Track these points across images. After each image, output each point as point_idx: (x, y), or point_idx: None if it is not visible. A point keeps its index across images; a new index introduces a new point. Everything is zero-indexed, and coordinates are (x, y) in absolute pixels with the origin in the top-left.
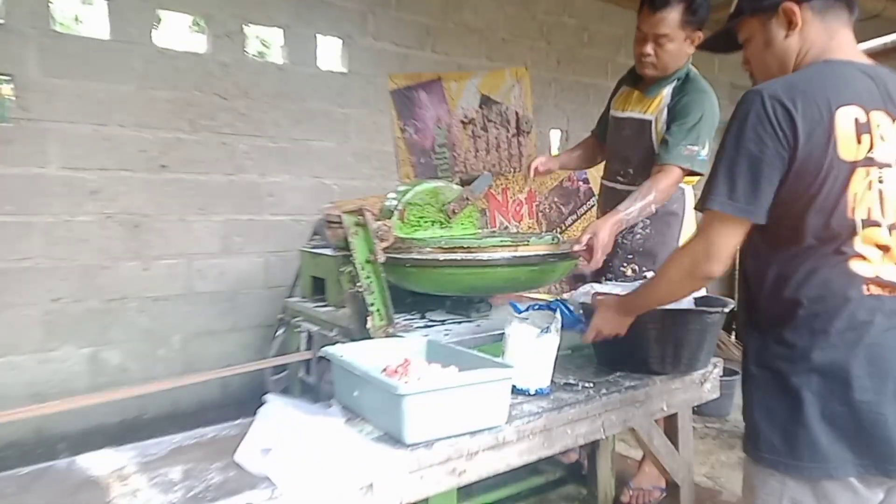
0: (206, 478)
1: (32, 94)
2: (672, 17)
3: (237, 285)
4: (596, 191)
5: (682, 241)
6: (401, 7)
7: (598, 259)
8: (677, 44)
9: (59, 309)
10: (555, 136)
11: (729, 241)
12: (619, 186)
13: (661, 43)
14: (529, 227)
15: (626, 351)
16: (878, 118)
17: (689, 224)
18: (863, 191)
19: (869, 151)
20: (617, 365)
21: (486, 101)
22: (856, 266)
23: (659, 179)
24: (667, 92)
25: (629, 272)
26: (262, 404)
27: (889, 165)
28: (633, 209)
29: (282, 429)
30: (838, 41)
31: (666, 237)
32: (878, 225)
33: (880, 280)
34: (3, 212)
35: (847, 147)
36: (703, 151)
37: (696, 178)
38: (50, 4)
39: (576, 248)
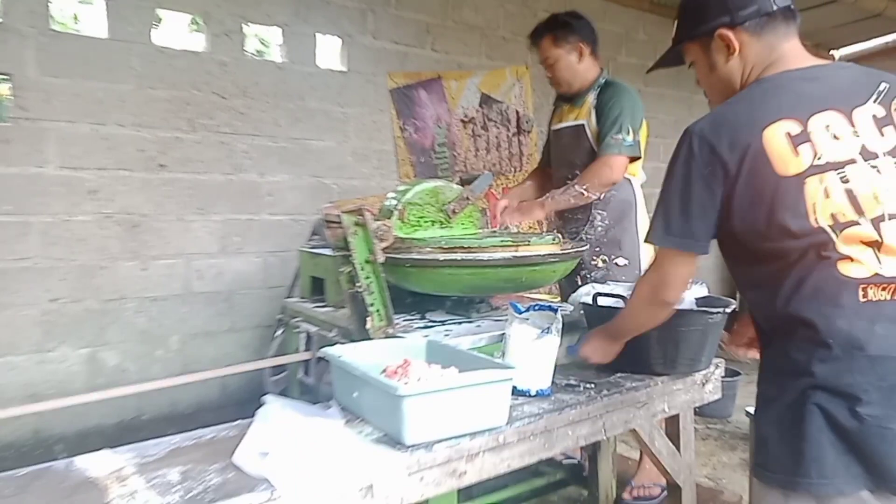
0: (205, 479)
1: (31, 93)
2: (545, 44)
3: (236, 285)
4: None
5: (641, 226)
6: (400, 5)
7: (498, 221)
8: (563, 61)
9: (57, 309)
10: None
11: (677, 271)
12: (560, 195)
13: (551, 65)
14: (530, 227)
15: (627, 352)
16: (825, 120)
17: (643, 211)
18: (821, 199)
19: (815, 159)
20: (618, 366)
21: (486, 100)
22: (846, 269)
23: (589, 167)
24: (591, 98)
25: (599, 263)
26: (260, 405)
27: (852, 161)
28: (558, 194)
29: (281, 430)
30: (780, 53)
31: (625, 224)
32: (856, 224)
33: (881, 278)
34: (1, 211)
35: (784, 162)
36: (629, 137)
37: (637, 171)
38: (48, 4)
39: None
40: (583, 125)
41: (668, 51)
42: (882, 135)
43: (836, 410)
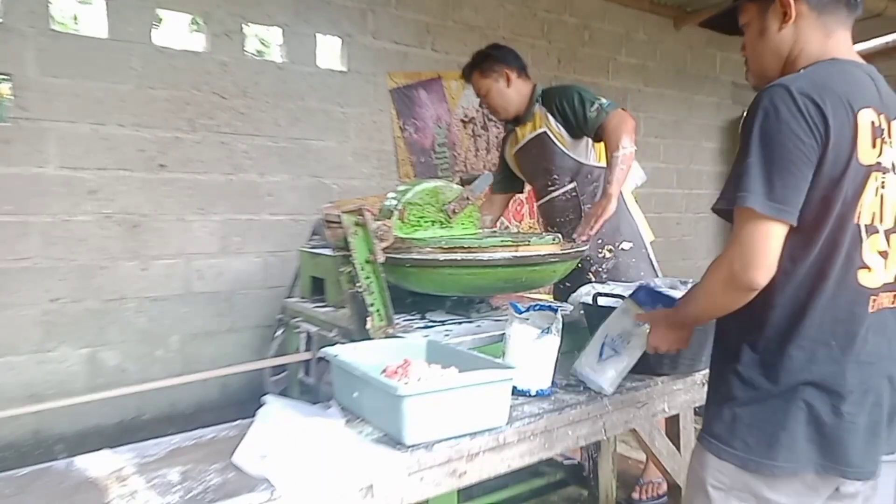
0: (205, 479)
1: (31, 93)
2: (474, 78)
3: (236, 285)
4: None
5: (630, 206)
6: (400, 5)
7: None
8: (494, 89)
9: (58, 309)
10: None
11: (768, 245)
12: (554, 194)
13: (484, 95)
14: (530, 227)
15: None
16: (884, 122)
17: (626, 192)
18: (871, 196)
19: (879, 156)
20: None
21: None
22: (863, 278)
23: (607, 137)
24: (537, 109)
25: (606, 253)
26: (260, 405)
27: (889, 170)
28: (610, 175)
29: (281, 430)
30: (836, 41)
31: (616, 209)
32: (877, 232)
33: (887, 287)
34: (2, 211)
35: (865, 151)
36: (603, 101)
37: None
38: (49, 4)
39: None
40: (544, 132)
41: (728, 7)
42: None
43: (821, 407)
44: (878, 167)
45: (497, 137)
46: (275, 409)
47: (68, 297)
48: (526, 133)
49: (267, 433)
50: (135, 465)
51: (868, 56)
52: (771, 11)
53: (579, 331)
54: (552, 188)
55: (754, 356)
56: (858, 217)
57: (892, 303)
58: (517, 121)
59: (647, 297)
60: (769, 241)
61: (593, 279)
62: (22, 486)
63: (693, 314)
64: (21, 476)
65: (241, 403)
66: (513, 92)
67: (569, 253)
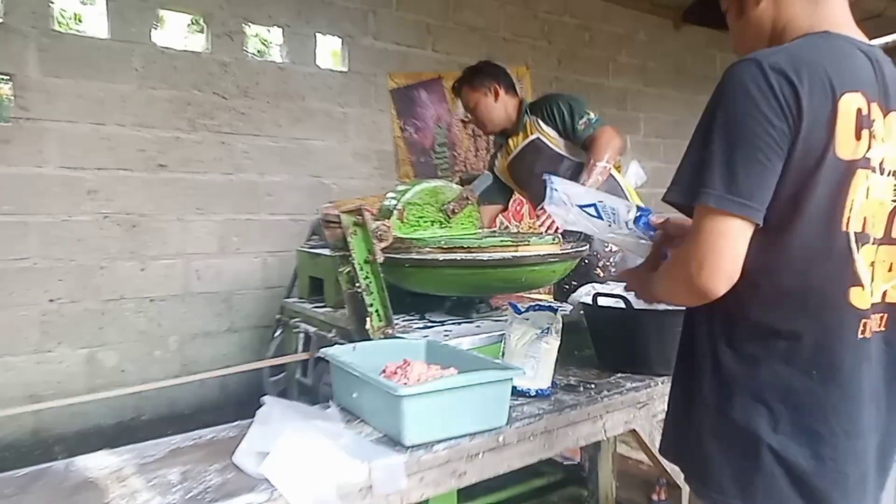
0: (205, 479)
1: (32, 93)
2: (464, 92)
3: (234, 286)
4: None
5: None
6: (401, 6)
7: None
8: (482, 103)
9: (56, 309)
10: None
11: (728, 247)
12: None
13: (472, 109)
14: (530, 227)
15: (627, 352)
16: (875, 112)
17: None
18: (861, 199)
19: (868, 150)
20: (618, 366)
21: None
22: (855, 298)
23: (591, 150)
24: (527, 120)
25: (613, 247)
26: (259, 406)
27: (876, 170)
28: (589, 180)
29: (280, 430)
30: (827, 10)
31: None
32: (870, 242)
33: (876, 309)
34: (1, 211)
35: (846, 143)
36: (592, 115)
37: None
38: (50, 4)
39: None
40: (537, 138)
41: None
42: None
43: (799, 446)
44: (865, 164)
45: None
46: (274, 410)
47: (67, 298)
48: (519, 142)
49: (266, 434)
50: (134, 466)
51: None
52: None
53: (579, 331)
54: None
55: (720, 379)
56: (847, 223)
57: (880, 326)
58: (507, 133)
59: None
60: (729, 241)
61: (602, 274)
62: (21, 487)
63: (659, 297)
64: (20, 476)
65: (240, 404)
66: (500, 106)
67: (568, 253)
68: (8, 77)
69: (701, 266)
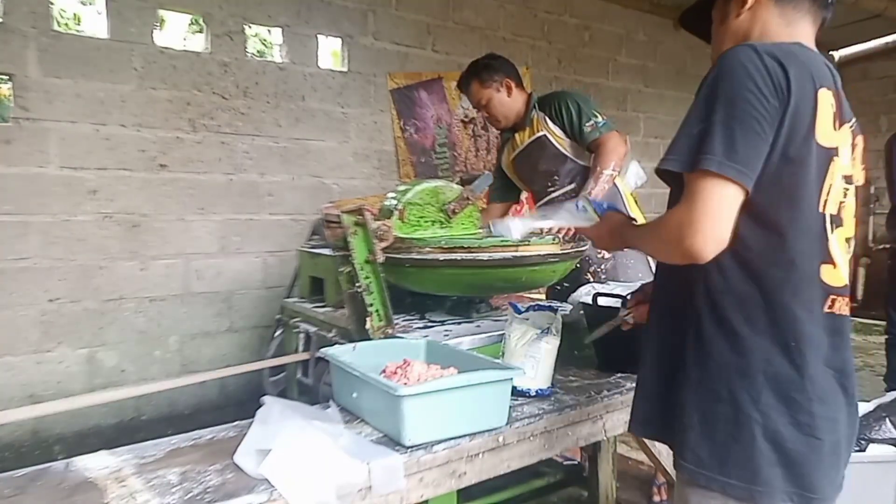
0: (204, 480)
1: (32, 93)
2: (473, 88)
3: (235, 286)
4: None
5: (629, 203)
6: (401, 6)
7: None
8: (495, 98)
9: (56, 309)
10: None
11: (722, 211)
12: (555, 195)
13: (484, 105)
14: None
15: (627, 352)
16: (838, 115)
17: (627, 196)
18: (839, 182)
19: (839, 144)
20: (618, 366)
21: None
22: (826, 274)
23: (596, 156)
24: (536, 116)
25: (605, 254)
26: (259, 406)
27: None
28: (595, 190)
29: (280, 430)
30: (797, 31)
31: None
32: (843, 225)
33: (846, 289)
34: (2, 211)
35: (825, 131)
36: (599, 119)
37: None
38: (50, 4)
39: None
40: (543, 135)
41: (697, 2)
42: (851, 159)
43: (778, 415)
44: (838, 154)
45: (497, 138)
46: (274, 410)
47: (67, 297)
48: (525, 138)
49: (266, 434)
50: (133, 466)
51: (868, 56)
52: (733, 1)
53: (579, 331)
54: (552, 189)
55: (703, 352)
56: (823, 206)
57: (848, 311)
58: (515, 128)
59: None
60: (724, 206)
61: (591, 279)
62: (20, 487)
63: (638, 248)
64: (19, 476)
65: (239, 404)
66: (513, 101)
67: (568, 253)
68: (8, 77)
69: (695, 229)
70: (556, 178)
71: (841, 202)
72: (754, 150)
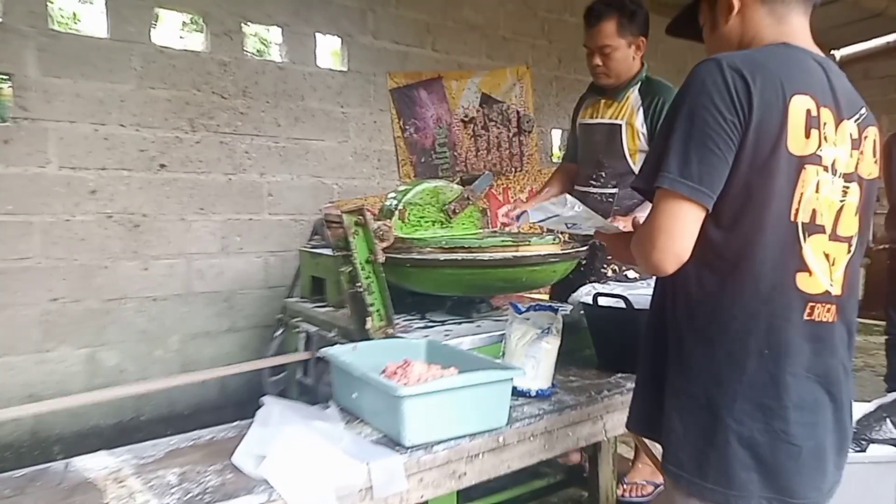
0: (203, 480)
1: (31, 93)
2: (609, 28)
3: (236, 285)
4: None
5: None
6: (400, 5)
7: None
8: (622, 51)
9: (58, 309)
10: (556, 136)
11: (679, 227)
12: (592, 190)
13: (606, 53)
14: (530, 228)
15: (627, 352)
16: (825, 115)
17: None
18: (810, 192)
19: (818, 148)
20: (618, 366)
21: (486, 100)
22: (802, 282)
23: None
24: (633, 95)
25: (609, 272)
26: (259, 406)
27: (828, 169)
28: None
29: (280, 431)
30: (790, 28)
31: None
32: (821, 232)
33: (828, 297)
34: (3, 211)
35: (797, 140)
36: None
37: None
38: (48, 3)
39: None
40: (620, 126)
41: (686, 7)
42: (850, 156)
43: (753, 421)
44: (816, 160)
45: (497, 138)
46: (274, 410)
47: (68, 297)
48: (606, 114)
49: (266, 434)
50: (133, 466)
51: (868, 56)
52: (718, 5)
53: (579, 331)
54: (595, 183)
55: (682, 359)
56: (795, 214)
57: (832, 318)
58: (606, 92)
59: None
60: (678, 223)
61: (596, 280)
62: (19, 487)
63: (626, 259)
64: (19, 477)
65: (239, 404)
66: (634, 63)
67: (569, 253)
68: (7, 77)
69: (653, 245)
70: (604, 173)
71: (814, 209)
72: (708, 168)
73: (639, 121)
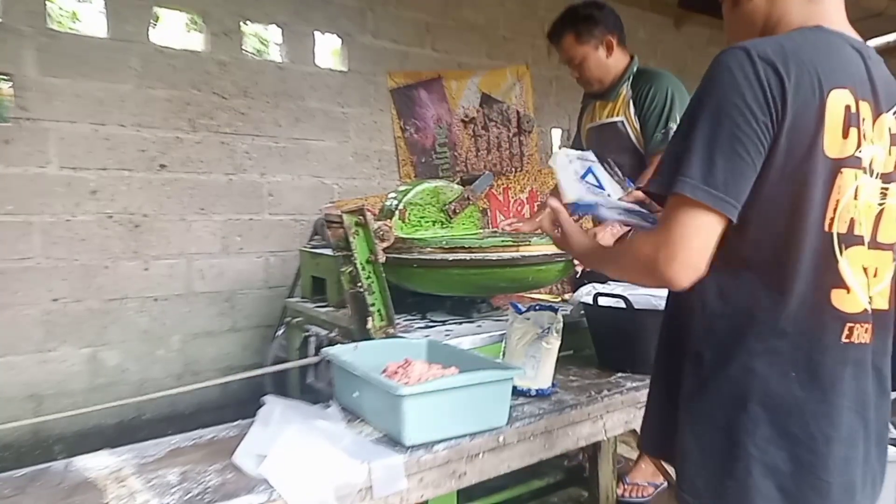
0: (204, 480)
1: (31, 93)
2: (568, 42)
3: (237, 285)
4: None
5: None
6: (400, 4)
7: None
8: (592, 58)
9: (59, 309)
10: (556, 135)
11: (699, 240)
12: None
13: (576, 65)
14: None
15: (627, 352)
16: (864, 110)
17: None
18: (848, 198)
19: (857, 149)
20: (618, 366)
21: (486, 100)
22: (838, 300)
23: (645, 173)
24: (625, 91)
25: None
26: (260, 406)
27: (866, 171)
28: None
29: (281, 430)
30: (823, 7)
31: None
32: (859, 244)
33: (866, 315)
34: (3, 211)
35: (834, 141)
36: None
37: None
38: (47, 3)
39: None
40: (620, 122)
41: None
42: (889, 154)
43: (777, 451)
44: (855, 163)
45: (497, 138)
46: (275, 410)
47: (70, 297)
48: (603, 115)
49: (267, 434)
50: (133, 466)
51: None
52: None
53: (579, 331)
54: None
55: (700, 377)
56: (830, 224)
57: (869, 340)
58: (600, 95)
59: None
60: (700, 236)
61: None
62: (20, 487)
63: (594, 265)
64: (19, 476)
65: (240, 403)
66: (612, 62)
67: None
68: (7, 77)
69: (669, 257)
70: (619, 172)
71: (852, 218)
72: (736, 175)
73: (633, 113)
